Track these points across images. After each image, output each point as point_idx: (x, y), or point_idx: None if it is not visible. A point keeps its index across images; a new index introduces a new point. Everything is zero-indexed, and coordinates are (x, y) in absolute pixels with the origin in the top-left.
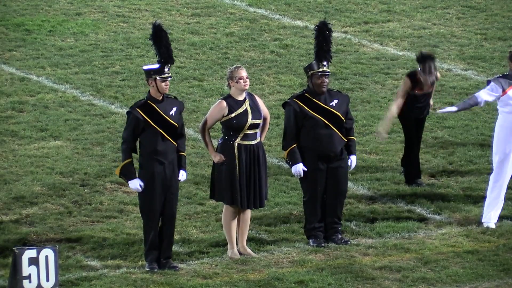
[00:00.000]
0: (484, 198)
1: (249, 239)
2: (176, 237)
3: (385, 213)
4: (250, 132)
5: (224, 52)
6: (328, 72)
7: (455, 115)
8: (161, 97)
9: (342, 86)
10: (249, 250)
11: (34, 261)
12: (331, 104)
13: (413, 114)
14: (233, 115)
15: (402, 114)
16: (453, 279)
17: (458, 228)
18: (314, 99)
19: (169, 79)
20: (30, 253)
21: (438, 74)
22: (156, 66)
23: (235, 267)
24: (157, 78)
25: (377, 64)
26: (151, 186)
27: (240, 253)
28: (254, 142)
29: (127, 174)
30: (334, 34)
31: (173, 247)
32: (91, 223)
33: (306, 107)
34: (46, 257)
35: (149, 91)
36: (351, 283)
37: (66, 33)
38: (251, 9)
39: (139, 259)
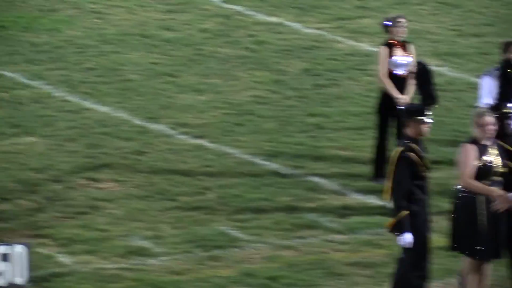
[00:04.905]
0: None
1: (221, 234)
2: (147, 233)
3: (357, 209)
4: (497, 179)
5: (198, 48)
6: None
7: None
8: (418, 139)
9: (316, 82)
10: None
11: (6, 257)
12: None
13: (390, 112)
14: (482, 160)
15: (379, 110)
16: None
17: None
18: None
19: (430, 122)
20: (2, 249)
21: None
22: (421, 107)
23: (207, 263)
24: (421, 119)
25: (352, 60)
26: (425, 234)
27: None
28: (499, 189)
29: (402, 227)
30: (308, 31)
31: (144, 243)
32: (64, 219)
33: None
34: (18, 253)
35: (406, 131)
36: (323, 279)
37: (41, 29)
38: (226, 5)
39: (111, 255)
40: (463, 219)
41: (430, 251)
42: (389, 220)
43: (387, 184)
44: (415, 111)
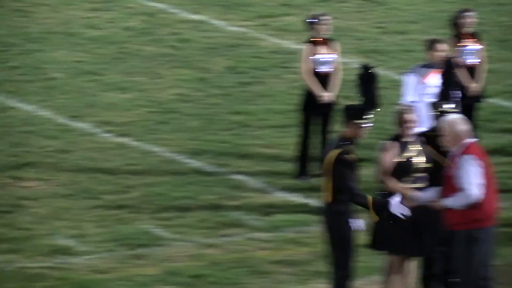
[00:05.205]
0: None
1: (145, 233)
2: (71, 231)
3: (281, 207)
4: (421, 175)
5: (122, 46)
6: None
7: None
8: (354, 141)
9: (240, 80)
10: None
11: None
12: None
13: (313, 109)
14: (403, 157)
15: (303, 108)
16: None
17: None
18: None
19: (369, 126)
20: None
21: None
22: (362, 109)
23: (132, 262)
24: (357, 122)
25: (276, 58)
26: (351, 234)
27: None
28: (423, 185)
29: (382, 205)
30: (232, 28)
31: (68, 242)
32: None
33: (434, 150)
34: None
35: (343, 132)
36: (247, 277)
37: None
38: (150, 3)
39: (35, 254)
40: (384, 217)
41: (355, 250)
42: (372, 215)
43: (326, 185)
44: (355, 114)
